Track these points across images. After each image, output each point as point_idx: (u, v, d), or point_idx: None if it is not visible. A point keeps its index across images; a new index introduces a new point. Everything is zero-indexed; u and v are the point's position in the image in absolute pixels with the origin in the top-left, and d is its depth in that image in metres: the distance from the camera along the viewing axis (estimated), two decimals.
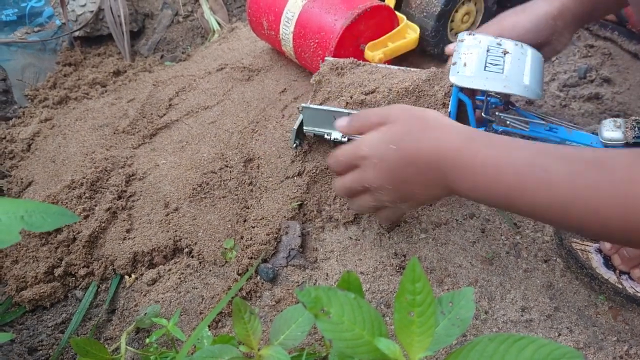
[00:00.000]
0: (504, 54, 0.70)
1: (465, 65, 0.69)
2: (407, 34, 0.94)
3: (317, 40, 0.88)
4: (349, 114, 0.74)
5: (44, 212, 0.40)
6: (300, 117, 0.80)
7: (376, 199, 0.62)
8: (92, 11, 1.18)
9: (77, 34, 1.18)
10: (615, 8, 0.89)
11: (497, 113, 0.76)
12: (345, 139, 0.77)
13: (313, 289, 0.43)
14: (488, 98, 0.76)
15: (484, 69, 0.68)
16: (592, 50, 1.02)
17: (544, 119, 0.77)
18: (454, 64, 0.70)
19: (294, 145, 0.82)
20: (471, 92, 0.74)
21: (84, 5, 1.19)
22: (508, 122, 0.77)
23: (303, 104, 0.76)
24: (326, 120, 0.77)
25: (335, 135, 0.77)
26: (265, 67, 1.04)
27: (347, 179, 0.63)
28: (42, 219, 0.39)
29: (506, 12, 0.79)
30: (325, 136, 0.78)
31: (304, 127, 0.79)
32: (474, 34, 0.73)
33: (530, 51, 0.72)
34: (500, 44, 0.71)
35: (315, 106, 0.76)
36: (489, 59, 0.70)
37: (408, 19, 0.94)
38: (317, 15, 0.88)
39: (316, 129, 0.79)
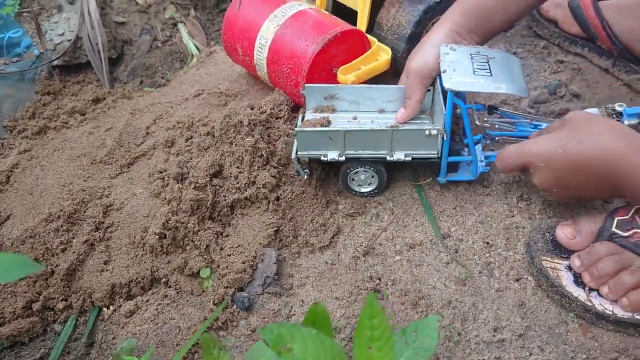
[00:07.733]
0: (488, 60, 0.74)
1: (455, 71, 0.72)
2: (380, 56, 0.95)
3: (290, 66, 0.89)
4: (345, 132, 0.75)
5: (6, 262, 0.41)
6: (296, 143, 0.79)
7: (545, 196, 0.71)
8: (70, 40, 1.19)
9: (55, 62, 1.19)
10: (514, 13, 0.79)
11: (485, 119, 0.80)
12: (343, 158, 0.77)
13: (276, 326, 0.44)
14: (473, 105, 0.80)
15: (474, 74, 0.72)
16: (562, 65, 1.04)
17: (526, 117, 0.82)
18: (444, 71, 0.73)
19: (305, 176, 0.81)
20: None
21: (62, 34, 1.20)
22: (497, 126, 0.82)
23: (297, 128, 0.77)
24: (321, 142, 0.77)
25: (332, 155, 0.78)
26: (241, 92, 1.05)
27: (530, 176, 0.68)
28: (3, 270, 0.40)
29: (412, 55, 0.82)
30: (322, 158, 0.78)
31: (298, 152, 0.79)
32: (453, 46, 0.77)
33: (508, 55, 0.77)
34: (479, 52, 0.76)
35: (310, 129, 0.77)
36: (475, 65, 0.73)
37: (380, 41, 0.96)
38: (289, 41, 0.89)
39: (311, 152, 0.79)
